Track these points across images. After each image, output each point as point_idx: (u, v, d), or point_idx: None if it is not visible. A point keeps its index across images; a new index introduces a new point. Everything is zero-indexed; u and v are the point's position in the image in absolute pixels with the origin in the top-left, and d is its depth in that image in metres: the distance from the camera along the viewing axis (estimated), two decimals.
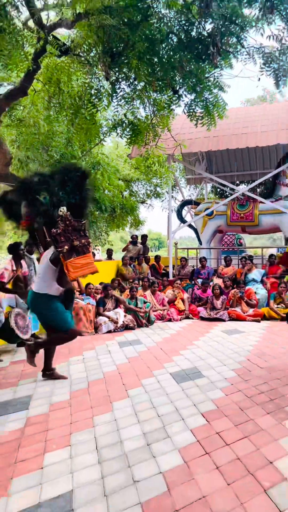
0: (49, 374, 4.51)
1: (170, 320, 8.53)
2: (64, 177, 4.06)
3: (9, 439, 3.20)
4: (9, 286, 6.43)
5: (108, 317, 7.61)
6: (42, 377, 4.62)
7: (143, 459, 2.82)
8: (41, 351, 4.53)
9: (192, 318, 8.77)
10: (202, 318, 8.61)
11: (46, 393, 4.26)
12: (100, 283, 8.57)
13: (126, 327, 7.59)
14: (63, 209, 3.85)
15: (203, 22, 6.81)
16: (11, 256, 6.47)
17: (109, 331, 7.38)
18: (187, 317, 8.81)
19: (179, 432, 3.21)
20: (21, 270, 6.55)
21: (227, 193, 14.41)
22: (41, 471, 2.70)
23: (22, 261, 6.66)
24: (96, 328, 7.43)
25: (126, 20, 6.26)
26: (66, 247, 3.76)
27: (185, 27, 6.86)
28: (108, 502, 2.35)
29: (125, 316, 7.75)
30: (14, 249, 6.24)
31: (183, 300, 9.24)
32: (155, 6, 6.77)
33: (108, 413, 3.65)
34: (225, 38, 6.64)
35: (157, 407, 3.76)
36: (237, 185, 14.37)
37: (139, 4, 6.39)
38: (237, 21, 6.53)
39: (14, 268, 6.34)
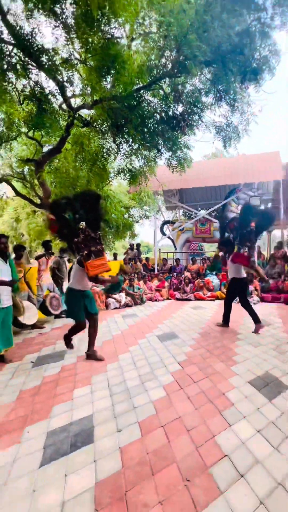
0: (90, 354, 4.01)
1: (156, 300, 8.57)
2: (83, 200, 3.86)
3: (50, 380, 3.22)
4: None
5: (115, 299, 7.61)
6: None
7: (139, 392, 2.86)
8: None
9: (170, 299, 8.81)
10: (177, 299, 8.63)
11: (74, 349, 4.26)
12: (109, 276, 8.58)
13: (126, 305, 7.59)
14: (82, 224, 3.70)
15: (176, 106, 6.88)
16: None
17: (115, 308, 7.38)
18: (167, 299, 8.86)
19: (163, 374, 3.25)
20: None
21: (193, 216, 14.46)
22: (72, 401, 2.73)
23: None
24: (107, 306, 7.41)
25: (126, 104, 6.29)
26: (85, 252, 3.60)
27: (164, 109, 6.92)
28: (117, 421, 2.39)
29: (126, 298, 7.76)
30: (16, 250, 5.68)
31: (164, 287, 9.32)
32: (145, 95, 6.83)
33: (116, 362, 3.68)
34: (191, 116, 6.72)
35: (148, 357, 3.79)
36: (199, 210, 14.47)
37: (134, 94, 6.43)
38: (198, 106, 6.61)
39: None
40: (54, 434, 2.24)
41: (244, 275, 5.30)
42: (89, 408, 2.60)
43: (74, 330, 4.09)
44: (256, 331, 4.83)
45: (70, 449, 2.07)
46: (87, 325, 3.98)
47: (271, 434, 2.15)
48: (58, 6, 5.27)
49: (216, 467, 1.85)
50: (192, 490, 1.68)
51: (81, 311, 3.88)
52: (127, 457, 1.97)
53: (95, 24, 5.49)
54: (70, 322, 5.95)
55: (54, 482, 1.78)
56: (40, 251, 6.57)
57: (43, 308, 5.83)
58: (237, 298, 5.44)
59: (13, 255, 5.60)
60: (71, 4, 5.24)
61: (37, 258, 6.37)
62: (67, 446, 2.10)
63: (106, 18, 5.51)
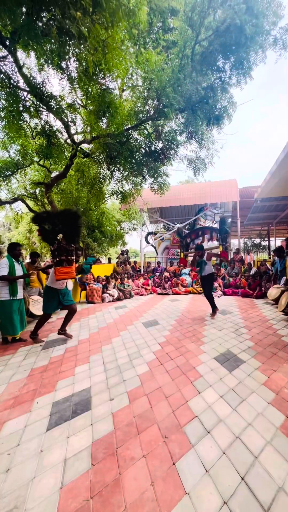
0: (62, 333, 4.05)
1: (141, 295, 8.54)
2: (64, 216, 3.72)
3: (56, 360, 3.15)
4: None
5: (109, 294, 7.55)
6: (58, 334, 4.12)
7: (128, 368, 2.84)
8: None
9: (153, 294, 8.80)
10: (158, 294, 8.62)
11: (75, 334, 4.19)
12: (104, 276, 8.50)
13: (118, 299, 7.55)
14: (60, 236, 3.60)
15: (157, 143, 6.96)
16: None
17: (110, 301, 7.32)
18: (151, 293, 8.84)
19: (147, 353, 3.24)
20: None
21: (171, 228, 14.59)
22: (73, 377, 2.68)
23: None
24: (103, 300, 7.34)
25: (118, 140, 6.32)
26: (57, 259, 3.59)
27: (148, 145, 6.99)
28: (110, 391, 2.36)
29: (118, 293, 7.71)
30: (32, 256, 5.52)
31: (148, 284, 9.31)
32: (133, 134, 6.88)
33: (109, 344, 3.64)
34: (168, 151, 6.81)
35: (135, 340, 3.77)
36: (176, 224, 14.62)
37: (124, 133, 6.47)
38: (174, 143, 6.71)
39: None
40: (58, 404, 2.19)
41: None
42: (87, 382, 2.56)
43: (40, 322, 3.90)
44: (212, 316, 5.03)
45: (72, 415, 2.03)
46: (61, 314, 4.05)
47: (231, 398, 2.17)
48: (64, 62, 5.26)
49: (188, 426, 1.85)
50: (169, 445, 1.67)
51: (53, 305, 3.80)
52: (118, 420, 1.94)
53: (94, 77, 5.52)
54: None
55: (58, 443, 1.73)
56: (49, 256, 6.45)
57: None
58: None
59: (28, 260, 5.54)
60: (74, 61, 5.24)
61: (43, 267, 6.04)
62: (69, 413, 2.05)
63: (102, 73, 5.54)
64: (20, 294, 3.80)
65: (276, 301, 5.91)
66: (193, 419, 1.92)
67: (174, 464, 1.52)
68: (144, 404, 2.13)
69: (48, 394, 2.35)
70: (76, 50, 4.66)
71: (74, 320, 5.18)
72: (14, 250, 3.85)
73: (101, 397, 2.27)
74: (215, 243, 8.91)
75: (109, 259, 12.56)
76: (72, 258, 3.69)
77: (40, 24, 4.15)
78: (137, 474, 1.47)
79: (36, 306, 5.02)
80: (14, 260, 3.81)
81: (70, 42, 4.37)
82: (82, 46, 4.11)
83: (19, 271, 3.82)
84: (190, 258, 5.00)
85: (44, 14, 4.06)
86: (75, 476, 1.47)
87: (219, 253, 5.47)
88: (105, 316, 5.43)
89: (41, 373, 2.79)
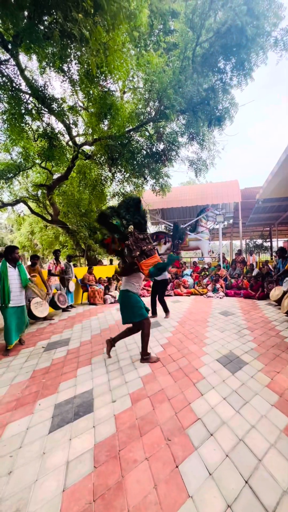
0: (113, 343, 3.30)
1: (143, 296, 8.51)
2: (127, 206, 3.28)
3: (58, 362, 3.15)
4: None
5: (111, 295, 7.55)
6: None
7: (130, 369, 2.82)
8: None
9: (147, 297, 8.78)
10: None
11: (78, 336, 4.19)
12: (106, 277, 8.51)
13: None
14: (130, 227, 3.14)
15: (158, 144, 6.97)
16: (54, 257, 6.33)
17: (111, 303, 7.31)
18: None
19: None
20: (60, 265, 6.39)
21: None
22: (75, 378, 2.68)
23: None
24: (105, 301, 7.34)
25: (119, 142, 6.34)
26: (137, 252, 3.01)
27: (149, 147, 7.01)
28: (112, 393, 2.35)
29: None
30: (32, 259, 5.40)
31: (149, 286, 9.29)
32: (134, 136, 6.90)
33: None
34: (170, 152, 6.83)
35: (137, 341, 3.73)
36: None
37: (126, 135, 6.49)
38: (175, 144, 6.72)
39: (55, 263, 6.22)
40: (61, 406, 2.18)
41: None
42: (89, 383, 2.55)
43: (148, 330, 3.06)
44: (166, 317, 5.12)
45: (74, 417, 2.02)
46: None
47: (234, 400, 2.16)
48: (65, 65, 5.30)
49: (191, 428, 1.83)
50: (172, 448, 1.66)
51: (143, 306, 3.15)
52: (120, 422, 1.93)
53: (95, 80, 5.55)
54: (72, 315, 5.88)
55: (61, 445, 1.72)
56: (51, 258, 6.45)
57: (52, 303, 5.75)
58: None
59: (29, 262, 5.53)
60: (76, 64, 5.28)
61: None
62: (72, 415, 2.05)
63: (103, 75, 5.58)
64: (16, 302, 3.54)
65: (279, 302, 5.88)
66: (196, 422, 1.90)
67: (177, 467, 1.51)
68: (146, 406, 2.12)
69: (51, 396, 2.34)
70: (77, 52, 4.69)
71: (76, 322, 5.18)
72: (11, 254, 3.56)
73: (103, 399, 2.26)
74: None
75: (111, 261, 12.57)
76: (153, 245, 3.20)
77: (42, 28, 4.19)
78: (140, 477, 1.46)
79: (39, 308, 5.03)
80: (9, 265, 3.53)
81: (72, 45, 4.40)
82: (83, 48, 4.13)
83: (14, 276, 3.54)
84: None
85: (46, 18, 4.10)
86: (77, 478, 1.46)
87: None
88: (107, 318, 5.42)
89: (43, 375, 2.78)
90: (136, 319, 3.00)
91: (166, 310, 5.26)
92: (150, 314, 5.12)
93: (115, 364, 2.98)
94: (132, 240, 3.05)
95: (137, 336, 4.02)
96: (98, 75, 5.42)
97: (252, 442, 1.68)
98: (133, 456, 1.60)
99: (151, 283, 9.24)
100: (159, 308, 5.52)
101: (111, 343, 3.23)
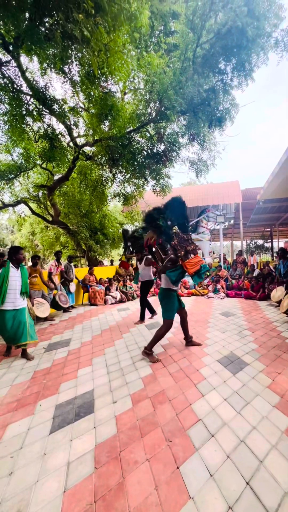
0: (189, 342, 3.55)
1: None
2: (172, 207, 3.31)
3: (59, 362, 3.15)
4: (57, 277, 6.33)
5: (112, 296, 7.55)
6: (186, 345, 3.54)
7: (131, 370, 2.82)
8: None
9: (155, 296, 8.76)
10: None
11: (78, 337, 4.19)
12: (107, 278, 8.51)
13: (120, 301, 7.54)
14: (175, 228, 3.20)
15: (159, 145, 6.98)
16: (55, 259, 6.35)
17: (112, 303, 7.31)
18: (153, 295, 8.81)
19: None
20: (61, 267, 6.41)
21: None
22: (76, 379, 2.68)
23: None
24: (105, 302, 7.34)
25: (120, 143, 6.36)
26: (182, 252, 3.09)
27: (150, 147, 7.02)
28: (113, 394, 2.35)
29: (120, 295, 7.71)
30: (33, 259, 5.34)
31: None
32: (135, 136, 6.91)
33: (112, 347, 3.63)
34: (170, 153, 6.84)
35: (138, 343, 3.76)
36: None
37: (126, 136, 6.50)
38: (176, 145, 6.72)
39: (56, 265, 6.22)
40: (61, 406, 2.18)
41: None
42: (90, 384, 2.55)
43: (165, 331, 3.20)
44: (151, 317, 5.16)
45: (75, 418, 2.02)
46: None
47: (235, 401, 2.15)
48: (66, 66, 5.31)
49: (192, 429, 1.83)
50: (173, 449, 1.65)
51: (175, 309, 3.28)
52: (121, 423, 1.93)
53: (96, 81, 5.57)
54: (72, 315, 5.89)
55: (61, 446, 1.72)
56: (52, 258, 6.45)
57: (53, 303, 5.75)
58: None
59: (30, 263, 5.51)
60: (77, 65, 5.29)
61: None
62: (72, 416, 2.05)
63: (104, 76, 5.59)
64: (13, 304, 3.28)
65: (280, 303, 5.87)
66: (197, 423, 1.90)
67: (178, 468, 1.51)
68: (147, 407, 2.12)
69: (51, 397, 2.34)
70: (78, 54, 4.70)
71: (77, 322, 5.19)
72: (16, 254, 3.37)
73: (104, 399, 2.26)
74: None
75: (111, 262, 12.58)
76: (196, 245, 3.23)
77: (43, 29, 4.20)
78: (140, 478, 1.45)
79: (40, 308, 5.03)
80: (12, 266, 3.34)
81: (73, 46, 4.41)
82: (85, 49, 4.14)
83: (15, 278, 3.34)
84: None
85: (47, 19, 4.11)
86: (78, 479, 1.46)
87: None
88: (107, 318, 5.43)
89: (44, 376, 2.79)
90: (164, 316, 3.21)
91: (151, 310, 5.24)
92: (138, 320, 5.06)
93: (116, 365, 2.98)
94: (177, 241, 3.17)
95: (138, 337, 4.02)
96: (99, 76, 5.43)
97: (253, 443, 1.67)
98: (134, 457, 1.60)
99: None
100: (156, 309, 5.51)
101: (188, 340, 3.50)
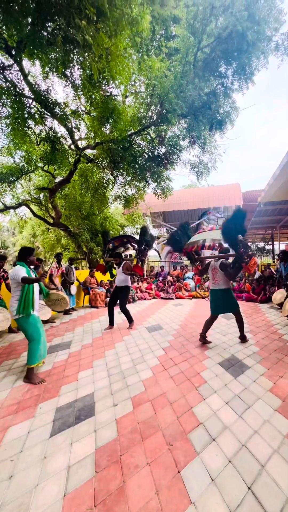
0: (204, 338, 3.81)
1: (145, 299, 8.51)
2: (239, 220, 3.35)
3: (59, 365, 3.14)
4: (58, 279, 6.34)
5: None
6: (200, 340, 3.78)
7: (132, 373, 2.81)
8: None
9: (156, 298, 8.76)
10: (162, 298, 8.60)
11: (79, 339, 4.19)
12: (108, 280, 8.51)
13: None
14: (240, 237, 3.37)
15: (160, 148, 7.01)
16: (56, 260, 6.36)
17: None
18: (154, 298, 8.81)
19: (150, 358, 3.22)
20: (62, 269, 6.41)
21: None
22: (77, 382, 2.67)
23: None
24: (106, 304, 7.34)
25: (121, 146, 6.39)
26: (245, 257, 3.53)
27: (151, 150, 7.04)
28: (113, 397, 2.34)
29: None
30: (26, 254, 5.26)
31: (151, 289, 9.26)
32: (136, 139, 6.94)
33: (112, 349, 3.62)
34: (171, 155, 6.86)
35: (139, 345, 3.75)
36: None
37: (128, 138, 6.53)
38: (177, 148, 6.75)
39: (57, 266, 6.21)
40: (62, 409, 2.18)
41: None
42: (91, 387, 2.54)
43: (208, 324, 3.78)
44: (130, 328, 4.77)
45: (75, 421, 2.01)
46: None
47: (236, 405, 2.14)
48: (68, 70, 5.36)
49: (193, 433, 1.82)
50: (174, 453, 1.64)
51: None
52: (122, 426, 1.92)
53: (97, 84, 5.61)
54: (73, 317, 5.88)
55: (62, 450, 1.71)
56: (53, 261, 6.44)
57: None
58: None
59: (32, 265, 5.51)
60: (78, 69, 5.34)
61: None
62: (73, 419, 2.04)
63: (106, 80, 5.63)
64: (36, 310, 2.92)
65: (281, 305, 5.84)
66: (198, 426, 1.89)
67: (179, 472, 1.50)
68: (148, 410, 2.10)
69: (52, 400, 2.33)
70: (80, 58, 4.74)
71: (77, 325, 5.18)
72: (30, 255, 3.03)
73: (104, 402, 2.25)
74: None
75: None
76: (250, 251, 3.69)
77: (45, 34, 4.24)
78: (141, 482, 1.44)
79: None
80: (30, 269, 2.99)
81: (75, 51, 4.45)
82: (86, 54, 4.18)
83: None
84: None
85: (49, 24, 4.15)
86: (78, 483, 1.45)
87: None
88: (108, 321, 5.41)
89: (45, 378, 2.78)
90: (238, 308, 3.68)
91: (130, 319, 4.85)
92: (107, 325, 4.86)
93: (117, 368, 2.97)
94: (242, 249, 3.50)
95: (139, 340, 4.01)
96: (100, 80, 5.48)
97: (255, 448, 1.66)
98: (135, 461, 1.59)
99: (152, 286, 9.30)
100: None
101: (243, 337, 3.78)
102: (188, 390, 2.39)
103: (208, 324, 3.80)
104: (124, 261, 4.91)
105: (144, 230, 5.01)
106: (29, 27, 4.14)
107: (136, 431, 1.86)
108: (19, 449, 1.73)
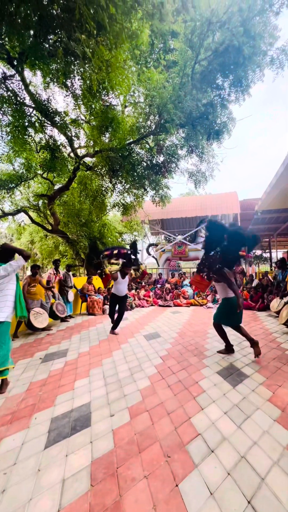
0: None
1: (143, 307, 8.46)
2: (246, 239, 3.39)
3: (55, 373, 3.09)
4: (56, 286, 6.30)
5: None
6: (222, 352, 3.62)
7: (129, 382, 2.77)
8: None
9: (154, 306, 8.71)
10: (160, 305, 8.55)
11: (76, 347, 4.13)
12: (106, 287, 8.46)
13: None
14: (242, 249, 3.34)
15: (158, 156, 7.11)
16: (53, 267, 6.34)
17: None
18: (152, 305, 8.76)
19: (148, 367, 3.17)
20: (60, 275, 6.40)
21: (172, 240, 14.63)
22: (73, 391, 2.62)
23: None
24: (104, 311, 7.28)
25: (120, 154, 6.47)
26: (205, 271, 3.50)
27: (149, 159, 7.14)
28: (110, 407, 2.30)
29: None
30: (33, 268, 5.31)
31: (149, 296, 9.21)
32: (134, 148, 7.04)
33: (110, 358, 3.58)
34: (170, 164, 6.95)
35: (136, 353, 3.70)
36: (177, 235, 14.68)
37: (127, 147, 6.63)
38: (175, 156, 6.85)
39: (55, 273, 6.18)
40: (57, 420, 2.13)
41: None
42: (87, 396, 2.50)
43: (220, 334, 3.61)
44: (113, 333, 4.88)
45: (71, 432, 1.96)
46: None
47: (235, 415, 2.11)
48: (69, 80, 5.47)
49: (191, 444, 1.78)
50: (171, 465, 1.60)
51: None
52: (118, 437, 1.88)
53: (97, 94, 5.72)
54: (70, 325, 5.82)
55: (57, 462, 1.67)
56: (51, 267, 6.43)
57: (51, 313, 5.69)
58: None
59: (29, 272, 5.50)
60: (79, 79, 5.45)
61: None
62: (68, 430, 1.99)
63: (105, 90, 5.75)
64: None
65: (279, 313, 5.83)
66: (196, 437, 1.85)
67: (177, 485, 1.46)
68: (145, 421, 2.06)
69: (47, 410, 2.28)
70: (80, 69, 4.85)
71: (74, 332, 5.12)
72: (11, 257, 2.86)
73: (101, 412, 2.20)
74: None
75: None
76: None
77: (47, 46, 4.36)
78: (138, 496, 1.40)
79: (38, 318, 4.98)
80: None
81: (75, 62, 4.56)
82: (87, 65, 4.28)
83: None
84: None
85: (51, 37, 4.27)
86: (73, 497, 1.41)
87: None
88: (106, 328, 5.36)
89: (40, 387, 2.73)
90: (233, 324, 3.44)
91: (115, 325, 4.95)
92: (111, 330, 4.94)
93: (114, 377, 2.93)
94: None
95: (136, 348, 3.97)
96: (100, 90, 5.60)
97: (254, 460, 1.62)
98: (132, 474, 1.55)
99: (150, 293, 9.26)
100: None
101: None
102: (186, 400, 2.36)
103: (220, 334, 3.64)
104: (129, 273, 5.11)
105: (133, 246, 5.10)
106: (31, 39, 4.25)
107: (133, 443, 1.82)
108: (13, 462, 1.68)
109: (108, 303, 5.01)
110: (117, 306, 4.99)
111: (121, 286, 4.88)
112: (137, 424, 2.02)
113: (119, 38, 3.74)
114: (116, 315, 5.03)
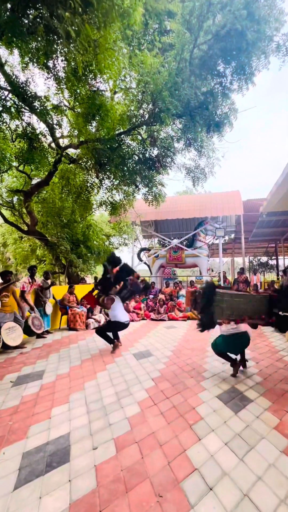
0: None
1: (132, 320, 8.40)
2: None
3: (29, 399, 3.02)
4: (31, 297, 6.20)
5: (95, 319, 7.42)
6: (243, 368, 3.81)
7: (115, 409, 2.74)
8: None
9: (146, 319, 8.68)
10: (152, 319, 8.52)
11: (53, 368, 4.06)
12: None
13: None
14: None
15: (152, 149, 7.20)
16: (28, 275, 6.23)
17: (95, 328, 7.17)
18: (143, 319, 8.72)
19: (138, 391, 3.15)
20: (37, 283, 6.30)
21: (167, 244, 14.70)
22: (49, 420, 2.57)
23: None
24: (87, 326, 7.20)
25: (108, 146, 6.51)
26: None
27: (142, 152, 7.21)
28: (93, 438, 2.26)
29: (105, 318, 7.58)
30: (4, 276, 5.34)
31: (140, 308, 9.16)
32: (125, 139, 7.10)
33: (94, 380, 3.53)
34: (165, 158, 7.05)
35: (124, 375, 3.67)
36: (172, 239, 14.77)
37: (116, 138, 6.68)
38: (171, 150, 6.94)
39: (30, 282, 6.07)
40: (30, 455, 2.07)
41: None
42: (66, 426, 2.44)
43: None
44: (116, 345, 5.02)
45: (46, 469, 1.91)
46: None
47: (237, 446, 2.10)
48: (50, 61, 5.50)
49: (187, 481, 1.76)
50: (164, 506, 1.58)
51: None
52: (102, 474, 1.84)
53: (83, 78, 5.77)
54: (47, 342, 5.73)
55: (28, 505, 1.61)
56: (26, 274, 6.32)
57: (25, 328, 5.57)
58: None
59: (0, 280, 5.38)
60: (62, 60, 5.49)
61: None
62: (43, 466, 1.94)
63: (93, 74, 5.81)
64: None
65: None
66: (192, 473, 1.83)
67: None
68: (134, 454, 2.03)
69: (18, 443, 2.22)
70: (64, 49, 4.89)
71: (52, 351, 5.04)
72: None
73: (82, 445, 2.16)
74: None
75: (95, 279, 12.46)
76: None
77: (26, 22, 4.38)
78: None
79: (11, 335, 4.87)
80: None
81: (58, 41, 4.60)
82: (71, 45, 4.32)
83: None
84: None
85: (31, 11, 4.30)
86: None
87: None
88: (89, 346, 5.30)
89: (10, 416, 2.65)
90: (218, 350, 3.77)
91: (110, 341, 5.09)
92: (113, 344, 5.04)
93: (98, 402, 2.88)
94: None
95: (125, 369, 3.94)
96: (86, 73, 5.65)
97: (258, 498, 1.62)
98: None
99: (141, 305, 9.23)
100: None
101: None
102: (182, 429, 2.34)
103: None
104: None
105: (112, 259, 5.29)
106: (8, 13, 4.26)
107: (119, 480, 1.79)
108: None
109: (111, 332, 5.17)
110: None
111: (121, 309, 5.18)
112: (124, 458, 1.99)
113: (109, 16, 3.81)
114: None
